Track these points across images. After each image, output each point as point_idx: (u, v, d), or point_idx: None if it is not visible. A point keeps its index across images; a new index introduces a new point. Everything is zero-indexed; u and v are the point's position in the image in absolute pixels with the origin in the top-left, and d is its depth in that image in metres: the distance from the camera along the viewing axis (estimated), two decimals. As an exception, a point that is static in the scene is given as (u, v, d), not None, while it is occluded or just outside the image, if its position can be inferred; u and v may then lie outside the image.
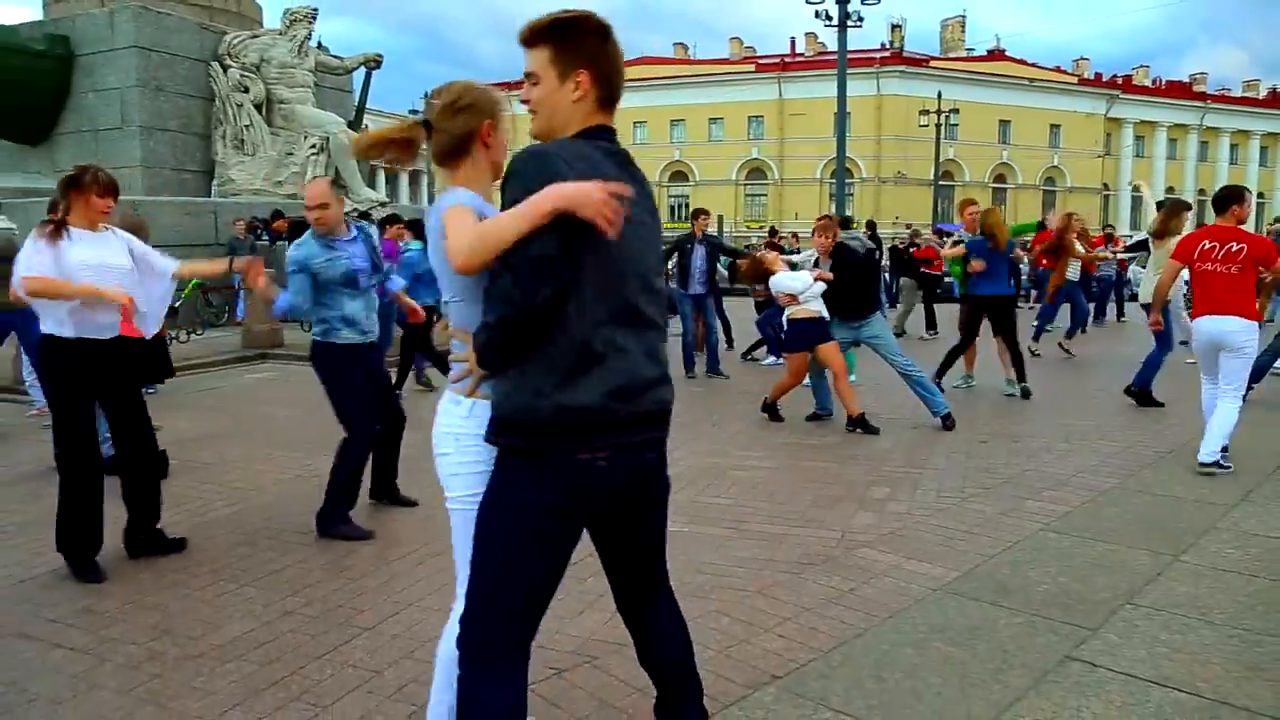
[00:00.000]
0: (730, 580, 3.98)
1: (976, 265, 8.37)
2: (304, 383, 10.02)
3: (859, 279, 7.56)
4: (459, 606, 2.20)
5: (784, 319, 7.49)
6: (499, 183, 2.17)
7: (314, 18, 17.90)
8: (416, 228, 9.09)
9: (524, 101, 2.11)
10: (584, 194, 1.84)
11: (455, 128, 2.25)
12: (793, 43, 64.04)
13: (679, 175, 62.31)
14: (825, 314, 7.23)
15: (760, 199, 60.19)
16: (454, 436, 2.19)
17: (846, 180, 27.56)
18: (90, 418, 4.15)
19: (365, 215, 12.75)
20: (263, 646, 3.37)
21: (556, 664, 3.18)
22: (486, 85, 2.34)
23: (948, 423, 7.07)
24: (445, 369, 3.07)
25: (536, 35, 2.07)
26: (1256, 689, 2.94)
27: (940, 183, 45.39)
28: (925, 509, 5.00)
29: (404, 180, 61.54)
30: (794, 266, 8.23)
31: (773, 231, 14.00)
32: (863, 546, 4.40)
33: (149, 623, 3.60)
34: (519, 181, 1.92)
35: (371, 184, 19.24)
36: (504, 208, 1.95)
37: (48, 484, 5.79)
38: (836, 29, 25.90)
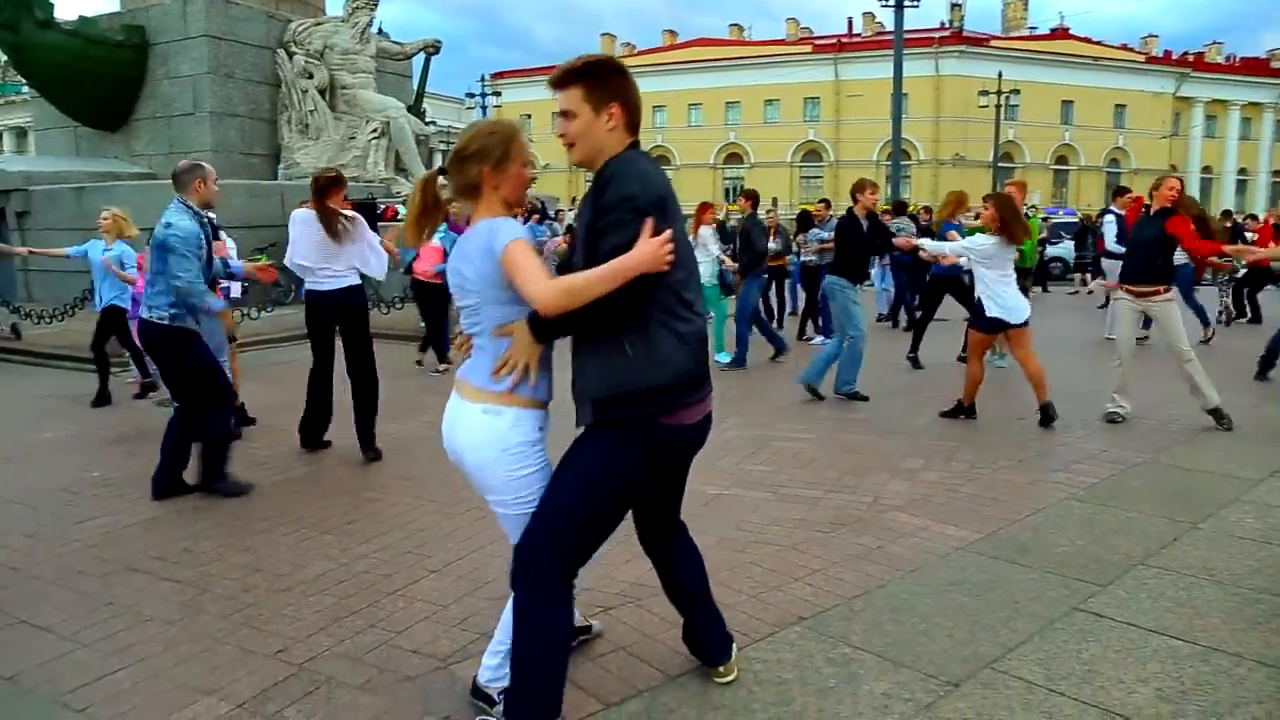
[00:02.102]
0: (766, 537, 4.28)
1: None
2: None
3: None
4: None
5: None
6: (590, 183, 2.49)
7: (375, 4, 18.39)
8: None
9: (560, 135, 2.48)
10: (651, 255, 2.28)
11: (463, 175, 2.54)
12: (850, 23, 63.39)
13: (734, 157, 62.24)
14: None
15: (816, 181, 59.76)
16: (500, 448, 2.49)
17: (903, 162, 27.42)
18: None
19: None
20: (342, 584, 3.77)
21: (604, 603, 3.53)
22: (498, 124, 2.60)
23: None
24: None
25: (569, 77, 2.43)
26: (1248, 638, 3.17)
27: (1000, 164, 44.77)
28: (957, 478, 5.25)
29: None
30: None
31: (826, 203, 13.92)
32: (893, 510, 4.67)
33: (241, 562, 4.03)
34: (632, 200, 2.32)
35: (429, 166, 19.73)
36: (602, 215, 2.34)
37: (140, 444, 6.34)
38: (894, 9, 25.79)
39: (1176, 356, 6.50)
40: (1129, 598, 3.54)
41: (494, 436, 2.48)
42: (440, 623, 3.39)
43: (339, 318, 5.90)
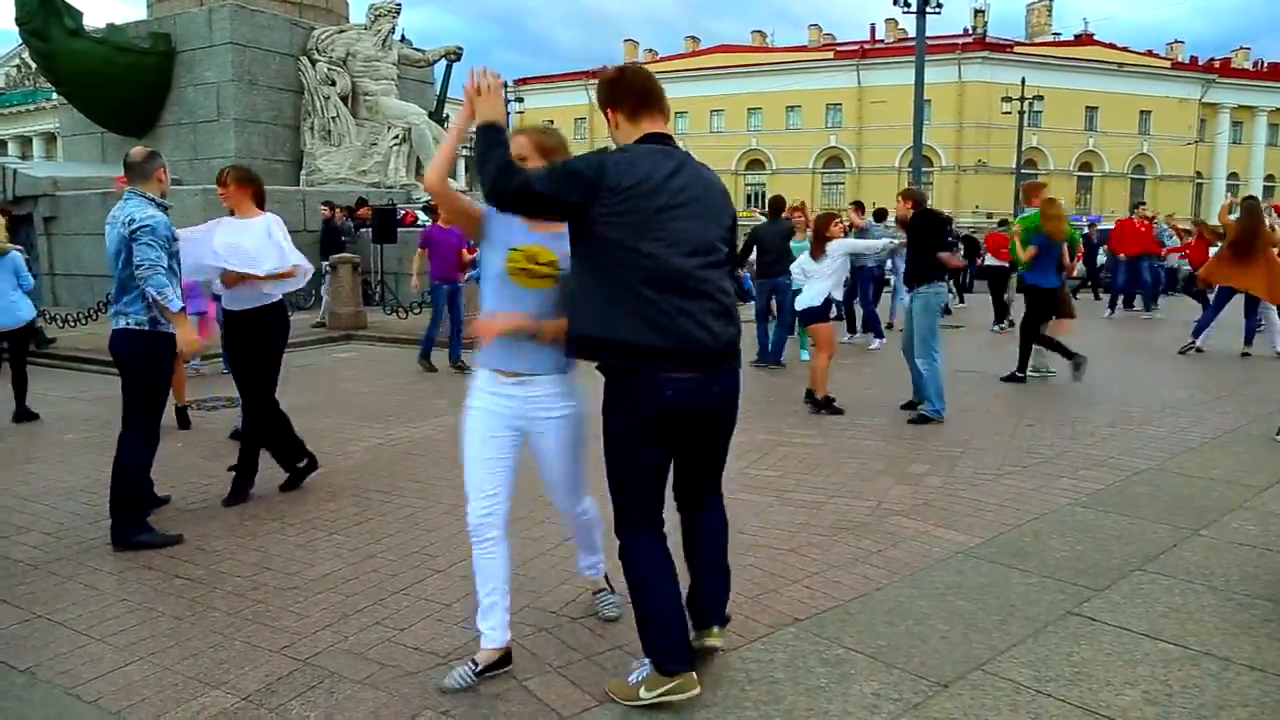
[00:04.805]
0: (767, 540, 4.34)
1: (1027, 253, 8.56)
2: (383, 362, 10.66)
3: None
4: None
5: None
6: None
7: (398, 12, 18.59)
8: None
9: None
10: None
11: None
12: (873, 29, 63.22)
13: (755, 164, 62.16)
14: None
15: (838, 187, 59.59)
16: None
17: (925, 169, 27.35)
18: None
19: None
20: (348, 582, 3.86)
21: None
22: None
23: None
24: None
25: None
26: (1240, 643, 3.19)
27: (1023, 171, 44.48)
28: (960, 483, 5.27)
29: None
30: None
31: (858, 206, 13.97)
32: (895, 515, 4.71)
33: (251, 560, 4.13)
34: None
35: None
36: None
37: (160, 447, 6.46)
38: (916, 15, 25.71)
39: None
40: (1124, 602, 3.56)
41: None
42: (442, 621, 3.47)
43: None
